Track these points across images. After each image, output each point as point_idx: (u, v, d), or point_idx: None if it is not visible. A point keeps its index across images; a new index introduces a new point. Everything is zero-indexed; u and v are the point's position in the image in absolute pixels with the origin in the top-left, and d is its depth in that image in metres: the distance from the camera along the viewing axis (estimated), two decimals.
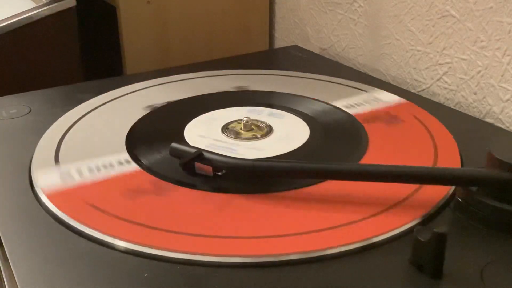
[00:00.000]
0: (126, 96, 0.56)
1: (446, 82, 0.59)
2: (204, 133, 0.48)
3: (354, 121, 0.50)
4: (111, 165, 0.42)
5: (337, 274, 0.30)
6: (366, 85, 0.59)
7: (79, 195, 0.38)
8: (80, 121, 0.50)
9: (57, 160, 0.43)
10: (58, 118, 0.51)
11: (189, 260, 0.32)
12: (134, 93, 0.57)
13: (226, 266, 0.31)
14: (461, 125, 0.49)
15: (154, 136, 0.48)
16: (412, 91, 0.62)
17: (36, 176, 0.40)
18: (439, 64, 0.60)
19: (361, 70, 0.69)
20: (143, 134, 0.48)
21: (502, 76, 0.53)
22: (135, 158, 0.43)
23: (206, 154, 0.39)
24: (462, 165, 0.42)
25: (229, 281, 0.30)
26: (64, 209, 0.36)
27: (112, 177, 0.40)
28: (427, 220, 0.35)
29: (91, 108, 0.53)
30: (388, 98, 0.55)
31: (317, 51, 0.78)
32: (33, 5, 0.69)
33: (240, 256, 0.32)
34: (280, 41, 0.87)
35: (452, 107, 0.58)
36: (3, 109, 0.53)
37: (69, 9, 0.69)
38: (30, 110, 0.53)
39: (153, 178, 0.40)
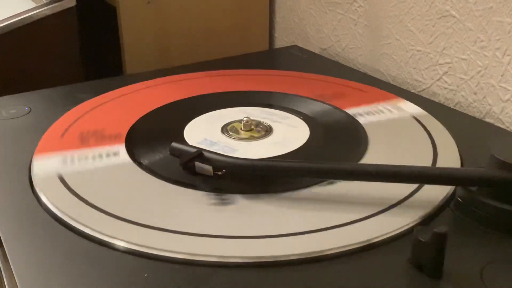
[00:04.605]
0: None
1: (446, 82, 0.59)
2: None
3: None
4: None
5: (337, 274, 0.30)
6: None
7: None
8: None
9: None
10: (58, 118, 0.51)
11: (189, 260, 0.32)
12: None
13: (226, 266, 0.31)
14: (461, 125, 0.49)
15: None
16: (412, 91, 0.62)
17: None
18: (439, 64, 0.60)
19: (361, 70, 0.69)
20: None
21: (502, 76, 0.53)
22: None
23: (206, 154, 0.39)
24: (462, 165, 0.42)
25: (229, 281, 0.30)
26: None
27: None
28: (427, 220, 0.35)
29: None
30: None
31: (317, 51, 0.78)
32: (33, 5, 0.69)
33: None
34: (280, 41, 0.87)
35: (452, 107, 0.58)
36: (3, 109, 0.53)
37: (69, 9, 0.69)
38: (30, 110, 0.53)
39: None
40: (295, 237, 0.33)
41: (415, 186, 0.38)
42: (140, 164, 0.42)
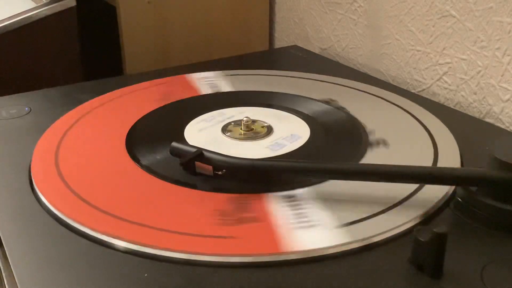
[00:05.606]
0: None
1: (446, 82, 0.59)
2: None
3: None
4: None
5: (337, 274, 0.30)
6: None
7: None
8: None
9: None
10: (58, 118, 0.51)
11: (189, 260, 0.32)
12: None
13: (226, 266, 0.31)
14: (461, 125, 0.49)
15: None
16: (412, 91, 0.62)
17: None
18: (439, 64, 0.60)
19: (361, 70, 0.69)
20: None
21: (502, 76, 0.53)
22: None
23: (206, 154, 0.39)
24: (462, 165, 0.42)
25: (229, 281, 0.30)
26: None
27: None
28: (427, 220, 0.35)
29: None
30: None
31: (317, 51, 0.78)
32: (33, 5, 0.69)
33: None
34: (280, 41, 0.87)
35: (452, 107, 0.58)
36: (3, 109, 0.53)
37: (69, 9, 0.69)
38: (30, 110, 0.53)
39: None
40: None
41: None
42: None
